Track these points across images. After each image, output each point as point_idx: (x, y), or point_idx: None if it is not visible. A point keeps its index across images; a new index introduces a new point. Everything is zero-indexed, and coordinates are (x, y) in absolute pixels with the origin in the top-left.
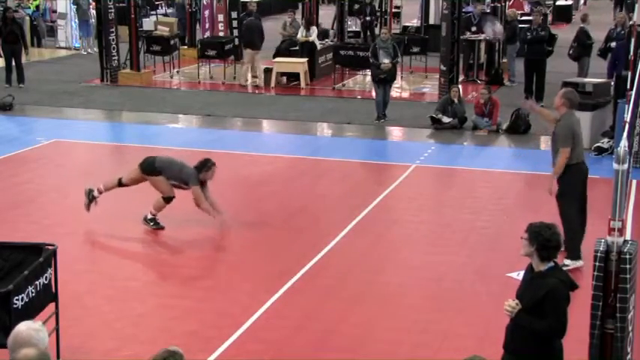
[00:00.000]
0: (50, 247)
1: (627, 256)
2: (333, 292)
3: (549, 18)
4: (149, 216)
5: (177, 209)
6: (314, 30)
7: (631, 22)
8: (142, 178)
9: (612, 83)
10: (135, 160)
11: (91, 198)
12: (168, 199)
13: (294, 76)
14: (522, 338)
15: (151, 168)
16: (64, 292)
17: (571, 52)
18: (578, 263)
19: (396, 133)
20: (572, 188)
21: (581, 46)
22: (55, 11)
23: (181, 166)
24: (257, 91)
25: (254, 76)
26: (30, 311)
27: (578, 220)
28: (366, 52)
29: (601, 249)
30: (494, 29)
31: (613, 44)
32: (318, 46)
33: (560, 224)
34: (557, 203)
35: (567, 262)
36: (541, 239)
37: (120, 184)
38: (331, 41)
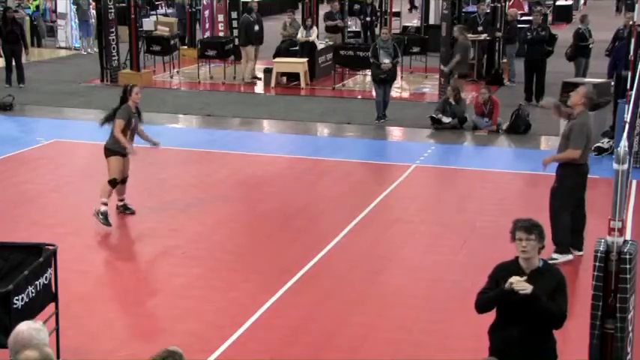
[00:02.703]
0: (50, 247)
1: (627, 256)
2: (333, 292)
3: (549, 18)
4: (102, 208)
5: (177, 209)
6: (314, 30)
7: (631, 23)
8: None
9: (612, 83)
10: (134, 160)
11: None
12: (112, 182)
13: (294, 76)
14: (537, 330)
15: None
16: (64, 292)
17: (568, 51)
18: (568, 257)
19: (396, 133)
20: (570, 187)
21: (575, 47)
22: (55, 11)
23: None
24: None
25: (253, 77)
26: (30, 311)
27: (568, 215)
28: (366, 52)
29: (601, 249)
30: None
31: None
32: (318, 46)
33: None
34: (551, 198)
35: (555, 255)
36: (544, 233)
37: (115, 182)
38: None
